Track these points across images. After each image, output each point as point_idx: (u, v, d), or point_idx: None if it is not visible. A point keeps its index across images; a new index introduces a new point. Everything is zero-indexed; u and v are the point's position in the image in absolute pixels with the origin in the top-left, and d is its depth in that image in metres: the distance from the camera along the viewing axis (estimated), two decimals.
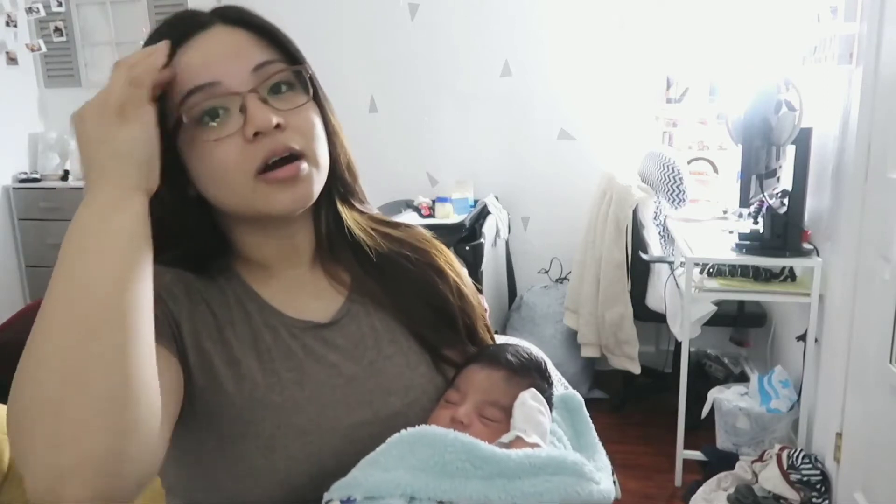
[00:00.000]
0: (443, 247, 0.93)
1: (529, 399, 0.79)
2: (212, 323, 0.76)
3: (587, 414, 0.86)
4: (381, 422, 0.78)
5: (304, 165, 0.73)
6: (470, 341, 0.90)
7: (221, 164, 0.71)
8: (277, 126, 0.71)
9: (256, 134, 0.70)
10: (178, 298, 0.75)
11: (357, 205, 0.87)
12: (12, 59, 3.86)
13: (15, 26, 3.86)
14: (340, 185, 0.84)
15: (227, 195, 0.74)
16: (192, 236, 0.78)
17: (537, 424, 0.76)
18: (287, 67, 0.75)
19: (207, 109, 0.71)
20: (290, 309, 0.80)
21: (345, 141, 0.83)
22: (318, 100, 0.78)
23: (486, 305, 0.97)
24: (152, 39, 0.74)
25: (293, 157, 0.73)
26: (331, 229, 0.85)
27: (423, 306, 0.86)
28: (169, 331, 0.72)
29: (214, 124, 0.71)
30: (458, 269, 0.91)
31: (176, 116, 0.71)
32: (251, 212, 0.75)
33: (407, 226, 0.93)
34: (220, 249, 0.82)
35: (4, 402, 1.31)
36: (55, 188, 3.84)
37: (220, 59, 0.72)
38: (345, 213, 0.85)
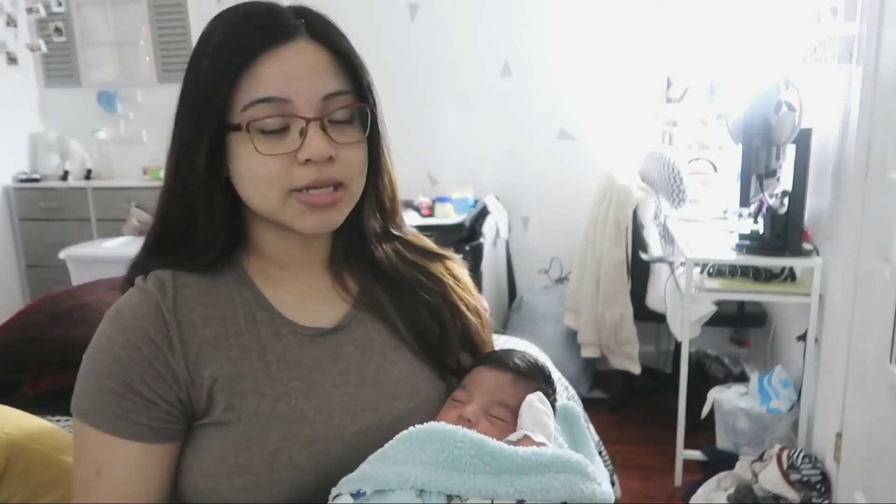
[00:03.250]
0: (465, 280, 0.93)
1: (536, 401, 0.80)
2: (214, 341, 0.76)
3: (584, 425, 0.88)
4: (385, 427, 0.78)
5: (340, 195, 0.75)
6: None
7: (263, 175, 0.72)
8: (329, 158, 0.73)
9: (307, 160, 0.72)
10: (182, 328, 0.75)
11: (394, 231, 0.89)
12: (12, 59, 3.87)
13: (15, 26, 3.86)
14: (380, 214, 0.86)
15: (258, 200, 0.75)
16: (214, 220, 0.77)
17: (544, 426, 0.78)
18: (354, 103, 0.75)
19: (269, 121, 0.72)
20: (299, 316, 0.80)
21: (394, 175, 0.85)
22: (374, 133, 0.79)
23: (486, 305, 0.97)
24: (233, 35, 0.73)
25: (333, 186, 0.74)
26: (351, 242, 0.85)
27: (429, 319, 0.86)
28: (155, 413, 0.73)
29: (271, 134, 0.72)
30: (472, 305, 0.91)
31: (237, 121, 0.71)
32: (276, 220, 0.76)
33: (440, 255, 0.93)
34: (236, 242, 0.81)
35: (4, 400, 1.31)
36: (55, 188, 3.85)
37: (297, 78, 0.71)
38: (375, 236, 0.86)
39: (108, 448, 0.73)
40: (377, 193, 0.84)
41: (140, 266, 0.80)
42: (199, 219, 0.77)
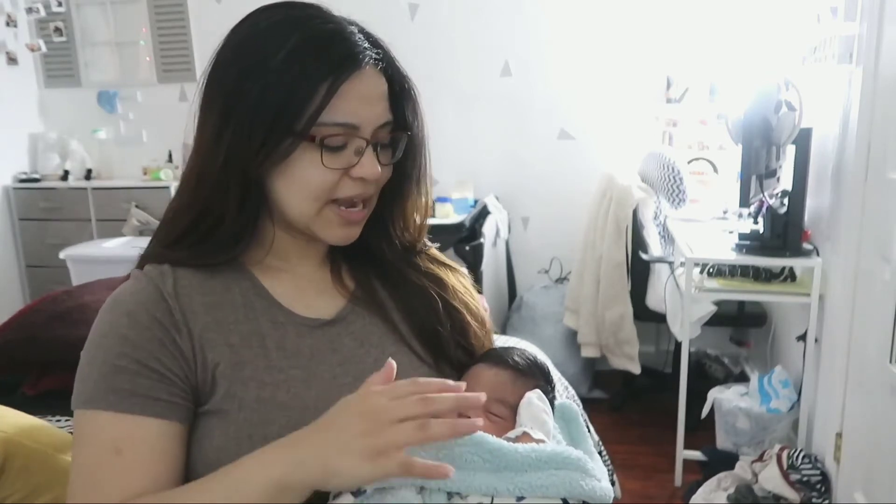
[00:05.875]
0: (470, 288, 0.94)
1: (535, 399, 0.81)
2: (215, 328, 0.76)
3: (583, 423, 0.88)
4: None
5: (367, 213, 0.81)
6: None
7: (318, 184, 0.76)
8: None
9: (359, 178, 0.77)
10: (185, 312, 0.75)
11: (411, 242, 0.91)
12: (12, 59, 3.86)
13: (15, 26, 3.86)
14: (407, 236, 0.90)
15: (296, 204, 0.77)
16: (245, 214, 0.78)
17: (542, 423, 0.79)
18: (399, 133, 0.81)
19: (338, 139, 0.75)
20: (298, 306, 0.81)
21: (430, 201, 0.90)
22: (415, 159, 0.85)
23: (486, 305, 0.97)
24: (314, 48, 0.74)
25: (364, 202, 0.80)
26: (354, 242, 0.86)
27: (427, 317, 0.87)
28: (172, 389, 0.73)
29: (334, 149, 0.75)
30: (475, 310, 0.92)
31: (311, 133, 0.73)
32: (300, 225, 0.79)
33: (448, 265, 0.95)
34: (244, 245, 0.81)
35: (4, 400, 1.30)
36: (55, 188, 3.84)
37: (366, 105, 0.76)
38: (395, 254, 0.89)
39: (126, 428, 0.71)
40: (404, 216, 0.88)
41: (152, 257, 0.80)
42: (230, 214, 0.77)
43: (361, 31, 0.79)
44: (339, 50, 0.74)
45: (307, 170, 0.75)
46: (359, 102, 0.75)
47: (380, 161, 0.78)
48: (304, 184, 0.76)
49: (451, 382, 0.69)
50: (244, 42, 0.76)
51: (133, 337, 0.72)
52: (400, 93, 0.81)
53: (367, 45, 0.77)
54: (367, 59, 0.76)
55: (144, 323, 0.73)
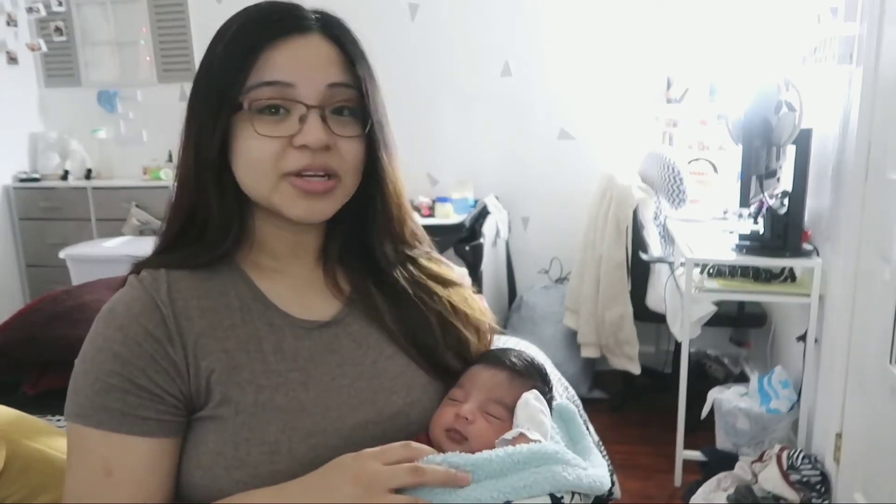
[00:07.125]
0: (472, 302, 0.92)
1: (532, 399, 0.81)
2: (210, 333, 0.76)
3: (581, 422, 0.89)
4: (384, 420, 0.79)
5: (333, 185, 0.76)
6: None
7: (258, 156, 0.74)
8: (326, 147, 0.74)
9: (303, 146, 0.73)
10: (178, 319, 0.75)
11: (406, 240, 0.89)
12: (12, 59, 3.87)
13: (15, 26, 3.86)
14: (389, 223, 0.86)
15: (251, 182, 0.76)
16: (226, 208, 0.78)
17: (539, 424, 0.78)
18: (356, 98, 0.77)
19: (272, 105, 0.73)
20: (295, 308, 0.81)
21: (398, 181, 0.85)
22: (376, 137, 0.79)
23: (485, 306, 0.97)
24: (251, 24, 0.75)
25: (327, 174, 0.76)
26: (349, 244, 0.85)
27: (423, 326, 0.86)
28: (162, 407, 0.73)
29: (272, 118, 0.74)
30: (474, 321, 0.90)
31: (240, 101, 0.73)
32: (267, 205, 0.77)
33: (451, 280, 0.92)
34: (233, 240, 0.81)
35: (4, 400, 1.30)
36: (55, 188, 3.85)
37: (305, 65, 0.74)
38: (381, 244, 0.86)
39: (115, 448, 0.72)
40: (383, 200, 0.84)
41: (148, 262, 0.80)
42: (212, 208, 0.77)
43: (318, 10, 0.78)
44: (277, 18, 0.75)
45: (246, 143, 0.74)
46: (294, 61, 0.73)
47: (334, 130, 0.75)
48: (247, 158, 0.75)
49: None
50: (212, 41, 0.78)
51: (125, 354, 0.72)
52: (353, 63, 0.78)
53: (314, 17, 0.76)
54: (308, 25, 0.75)
55: (137, 338, 0.73)
